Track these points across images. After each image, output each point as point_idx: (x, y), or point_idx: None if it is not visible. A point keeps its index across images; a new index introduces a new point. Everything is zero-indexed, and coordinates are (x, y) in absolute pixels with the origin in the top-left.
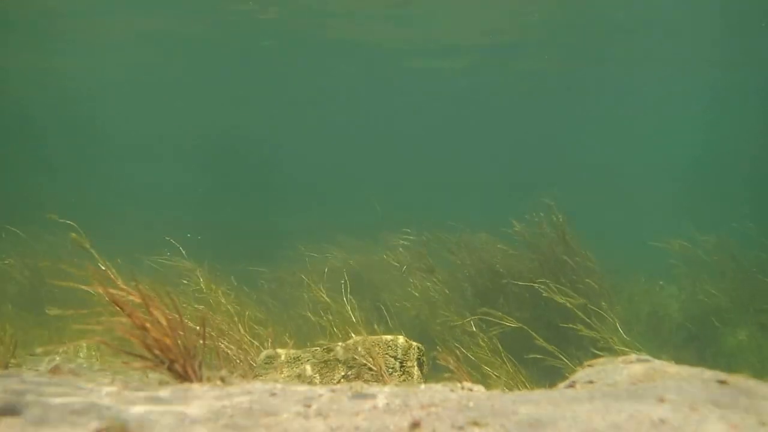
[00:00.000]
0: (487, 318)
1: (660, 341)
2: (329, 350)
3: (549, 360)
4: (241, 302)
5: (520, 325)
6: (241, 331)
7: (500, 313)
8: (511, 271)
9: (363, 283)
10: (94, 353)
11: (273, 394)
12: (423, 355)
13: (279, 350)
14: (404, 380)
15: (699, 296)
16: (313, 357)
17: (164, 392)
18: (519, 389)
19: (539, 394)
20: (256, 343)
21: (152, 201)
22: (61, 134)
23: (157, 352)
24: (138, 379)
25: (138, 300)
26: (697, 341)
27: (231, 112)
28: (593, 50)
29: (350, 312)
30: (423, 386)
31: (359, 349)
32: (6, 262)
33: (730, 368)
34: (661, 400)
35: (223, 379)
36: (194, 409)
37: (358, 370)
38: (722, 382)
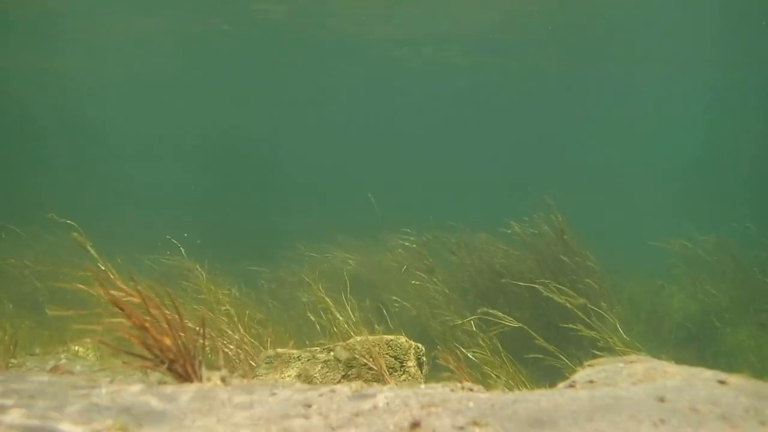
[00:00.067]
0: (487, 318)
1: (660, 341)
2: (329, 350)
3: (549, 360)
4: (241, 302)
5: (520, 324)
6: (241, 331)
7: (500, 313)
8: (510, 271)
9: (363, 283)
10: (94, 353)
11: (273, 394)
12: (423, 355)
13: (279, 350)
14: (404, 380)
15: (699, 296)
16: (314, 357)
17: (164, 392)
18: (519, 389)
19: (539, 394)
20: (256, 342)
21: (152, 201)
22: (61, 134)
23: (157, 352)
24: (138, 379)
25: (137, 300)
26: (697, 341)
27: (231, 112)
28: (593, 50)
29: (350, 312)
30: (423, 386)
31: (359, 348)
32: (6, 262)
33: (730, 368)
34: (662, 400)
35: (223, 379)
36: (194, 408)
37: (358, 370)
38: (722, 382)
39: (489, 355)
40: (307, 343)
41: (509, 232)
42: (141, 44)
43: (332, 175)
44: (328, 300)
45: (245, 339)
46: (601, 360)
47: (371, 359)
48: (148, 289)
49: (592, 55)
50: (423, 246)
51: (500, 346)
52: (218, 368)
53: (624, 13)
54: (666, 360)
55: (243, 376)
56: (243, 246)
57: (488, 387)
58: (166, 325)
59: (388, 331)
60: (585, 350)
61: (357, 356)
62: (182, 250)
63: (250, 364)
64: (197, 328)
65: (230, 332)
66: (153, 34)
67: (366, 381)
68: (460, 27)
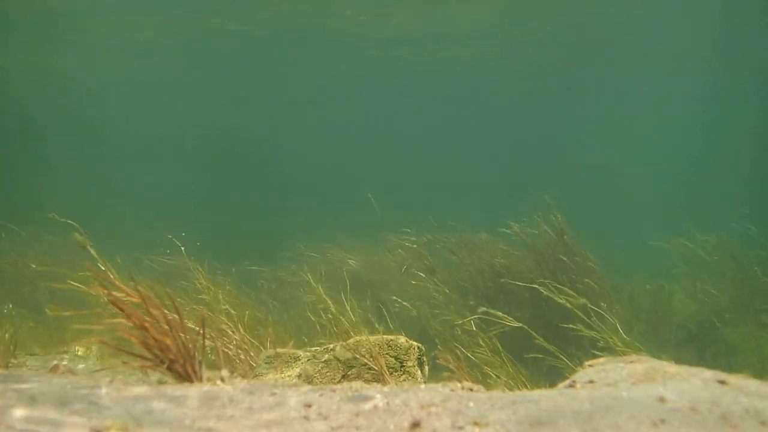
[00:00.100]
0: (487, 318)
1: (660, 341)
2: (329, 350)
3: (549, 360)
4: (241, 302)
5: (521, 324)
6: (241, 330)
7: (500, 313)
8: (510, 271)
9: (363, 283)
10: (95, 353)
11: (273, 394)
12: (423, 355)
13: (279, 350)
14: (404, 380)
15: (699, 296)
16: (314, 357)
17: (164, 392)
18: (519, 389)
19: (539, 394)
20: (256, 342)
21: (152, 201)
22: (61, 134)
23: (157, 352)
24: (138, 380)
25: (137, 300)
26: (697, 341)
27: (231, 112)
28: (593, 50)
29: (350, 311)
30: (423, 386)
31: (360, 348)
32: (6, 261)
33: (730, 368)
34: (662, 400)
35: (223, 379)
36: (194, 408)
37: (358, 370)
38: (722, 382)
39: (489, 355)
40: (307, 342)
41: (509, 232)
42: (141, 44)
43: (332, 175)
44: (328, 300)
45: (245, 339)
46: (601, 360)
47: (371, 359)
48: (148, 289)
49: (592, 55)
50: (423, 246)
51: (500, 346)
52: (218, 368)
53: (624, 13)
54: (666, 360)
55: (243, 376)
56: (243, 246)
57: (488, 387)
58: (166, 325)
59: (388, 331)
60: (585, 350)
61: (357, 356)
62: (182, 250)
63: (250, 364)
64: (197, 328)
65: (230, 332)
66: (153, 34)
67: (366, 381)
68: (460, 27)
